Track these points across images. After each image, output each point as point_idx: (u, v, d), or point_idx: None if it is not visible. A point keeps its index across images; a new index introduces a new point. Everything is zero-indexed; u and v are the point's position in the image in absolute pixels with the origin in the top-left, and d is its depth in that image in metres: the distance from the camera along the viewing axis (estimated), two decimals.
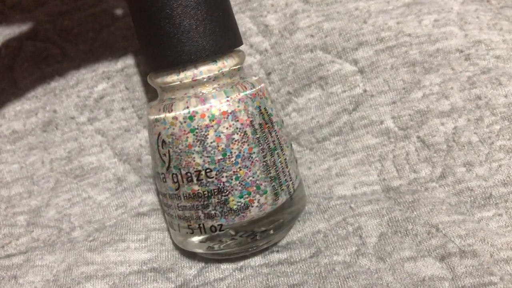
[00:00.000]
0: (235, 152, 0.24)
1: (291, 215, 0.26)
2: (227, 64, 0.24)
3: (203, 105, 0.23)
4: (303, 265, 0.26)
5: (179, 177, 0.24)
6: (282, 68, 0.31)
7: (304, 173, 0.31)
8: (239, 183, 0.24)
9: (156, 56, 0.24)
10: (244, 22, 0.31)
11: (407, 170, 0.29)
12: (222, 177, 0.24)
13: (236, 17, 0.31)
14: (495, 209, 0.27)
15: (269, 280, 0.26)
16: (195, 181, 0.24)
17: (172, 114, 0.24)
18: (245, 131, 0.24)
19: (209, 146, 0.24)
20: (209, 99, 0.24)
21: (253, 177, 0.24)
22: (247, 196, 0.24)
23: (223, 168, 0.24)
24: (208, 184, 0.24)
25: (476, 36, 0.30)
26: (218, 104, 0.24)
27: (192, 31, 0.23)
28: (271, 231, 0.26)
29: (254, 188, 0.24)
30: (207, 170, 0.24)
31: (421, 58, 0.29)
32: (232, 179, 0.24)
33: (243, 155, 0.24)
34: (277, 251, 0.27)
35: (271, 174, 0.25)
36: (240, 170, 0.24)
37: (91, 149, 0.31)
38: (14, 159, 0.31)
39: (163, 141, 0.24)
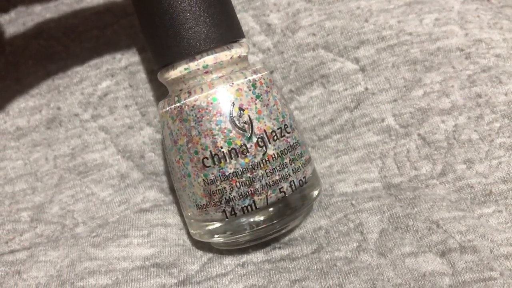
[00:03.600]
0: (287, 115, 0.26)
1: (314, 191, 0.27)
2: (249, 46, 0.27)
3: (257, 75, 0.26)
4: (305, 261, 0.26)
5: (265, 140, 0.25)
6: (284, 66, 0.31)
7: None
8: (297, 142, 0.26)
9: (207, 36, 0.25)
10: (247, 21, 0.31)
11: (408, 167, 0.29)
12: (289, 137, 0.26)
13: (239, 16, 0.31)
14: (495, 205, 0.27)
15: (271, 276, 0.26)
16: (272, 143, 0.25)
17: (235, 85, 0.25)
18: (283, 99, 0.27)
19: (273, 108, 0.25)
20: (259, 70, 0.26)
21: (301, 138, 0.27)
22: (305, 154, 0.27)
23: (287, 127, 0.26)
24: (281, 146, 0.25)
25: (477, 35, 0.30)
26: (263, 74, 0.26)
27: (234, 14, 0.26)
28: (302, 204, 0.26)
29: (305, 147, 0.27)
30: (284, 127, 0.26)
31: (422, 56, 0.30)
32: (294, 139, 0.26)
33: (291, 117, 0.27)
34: (279, 248, 0.27)
35: (304, 139, 0.27)
36: (294, 131, 0.26)
37: (94, 146, 0.31)
38: (18, 156, 0.31)
39: (240, 109, 0.25)
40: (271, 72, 0.31)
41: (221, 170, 0.24)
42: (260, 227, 0.25)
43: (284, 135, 0.25)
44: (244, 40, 0.27)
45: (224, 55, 0.25)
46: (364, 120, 0.30)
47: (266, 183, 0.25)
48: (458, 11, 0.30)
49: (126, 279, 0.26)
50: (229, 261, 0.27)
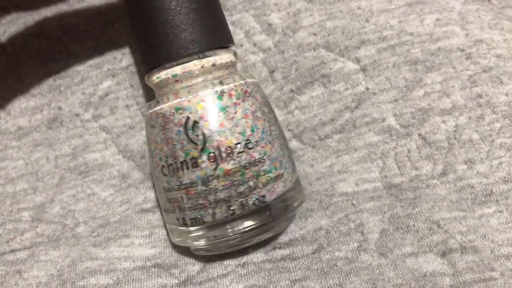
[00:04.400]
0: (260, 128, 0.25)
1: (297, 200, 0.27)
2: (236, 53, 0.27)
3: (227, 85, 0.25)
4: (305, 261, 0.26)
5: (217, 155, 0.24)
6: (285, 66, 0.31)
7: (307, 170, 0.31)
8: (267, 158, 0.25)
9: (176, 45, 0.25)
10: (247, 20, 0.31)
11: (408, 167, 0.29)
12: (254, 151, 0.25)
13: (239, 15, 0.31)
14: (496, 206, 0.27)
15: (272, 275, 0.26)
16: (231, 157, 0.24)
17: (198, 96, 0.24)
18: (263, 110, 0.26)
19: (239, 122, 0.25)
20: (230, 81, 0.25)
21: (276, 153, 0.26)
22: (275, 170, 0.25)
23: (253, 141, 0.25)
24: (241, 160, 0.24)
25: (477, 36, 0.30)
26: (239, 84, 0.25)
27: (214, 21, 0.26)
28: (282, 212, 0.26)
29: (278, 163, 0.26)
30: (240, 145, 0.25)
31: (423, 56, 0.30)
32: (261, 154, 0.25)
33: (266, 131, 0.26)
34: (280, 248, 0.27)
35: (287, 153, 0.27)
36: (266, 145, 0.25)
37: (95, 146, 0.31)
38: (19, 156, 0.31)
39: (194, 123, 0.24)
40: (272, 72, 0.31)
41: (179, 179, 0.25)
42: (216, 240, 0.25)
43: (247, 150, 0.25)
44: (230, 46, 0.27)
45: (193, 65, 0.25)
46: (365, 120, 0.30)
47: (216, 199, 0.25)
48: (459, 12, 0.30)
49: (127, 279, 0.27)
50: (230, 262, 0.27)
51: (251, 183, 0.25)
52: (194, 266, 0.27)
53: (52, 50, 0.31)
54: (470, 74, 0.29)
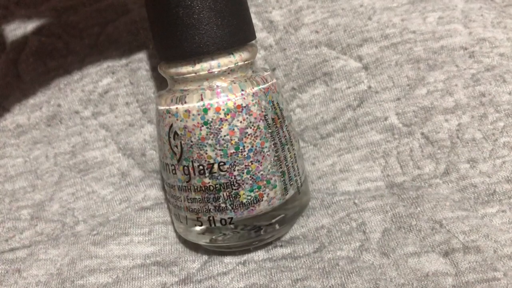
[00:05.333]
0: (247, 146, 0.24)
1: (296, 210, 0.26)
2: (243, 57, 0.24)
3: (218, 98, 0.23)
4: (306, 260, 0.26)
5: (190, 169, 0.24)
6: (286, 64, 0.31)
7: (308, 169, 0.31)
8: (250, 177, 0.24)
9: (172, 46, 0.24)
10: None
11: (411, 166, 0.29)
12: (234, 170, 0.24)
13: None
14: (499, 205, 0.27)
15: (273, 274, 0.26)
16: (206, 174, 0.24)
17: (185, 106, 0.23)
18: (258, 125, 0.24)
19: (222, 139, 0.23)
20: (224, 92, 0.23)
21: (264, 171, 0.24)
22: (257, 190, 0.24)
23: (235, 161, 0.24)
24: (219, 177, 0.24)
25: (480, 34, 0.30)
26: (233, 97, 0.23)
27: (211, 23, 0.23)
28: (276, 226, 0.26)
29: (265, 182, 0.24)
30: (220, 164, 0.24)
31: (426, 55, 0.30)
32: (243, 173, 0.24)
33: (255, 149, 0.24)
34: (281, 246, 0.27)
35: (282, 169, 0.25)
36: (252, 164, 0.24)
37: (95, 143, 0.31)
38: (18, 153, 0.31)
39: (175, 133, 0.24)
40: (273, 70, 0.31)
41: (167, 175, 0.25)
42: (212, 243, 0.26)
43: (226, 168, 0.24)
44: (252, 42, 0.25)
45: (185, 69, 0.24)
46: (367, 119, 0.30)
47: (188, 207, 0.25)
48: (461, 10, 0.30)
49: (127, 277, 0.26)
50: (230, 260, 0.27)
51: (224, 201, 0.24)
52: (194, 264, 0.27)
53: (51, 47, 0.31)
54: (473, 72, 0.29)
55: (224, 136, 0.23)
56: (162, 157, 0.26)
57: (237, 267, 0.26)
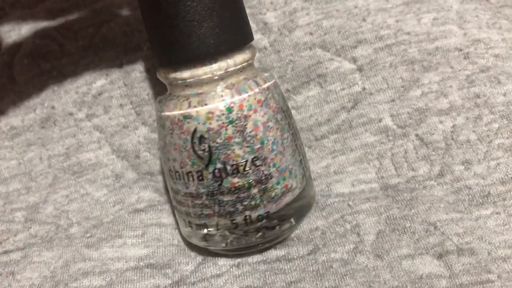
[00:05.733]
0: (270, 140, 0.24)
1: (309, 200, 0.27)
2: (252, 54, 0.25)
3: (240, 96, 0.23)
4: (300, 262, 0.26)
5: (221, 171, 0.24)
6: (281, 65, 0.31)
7: None
8: (276, 170, 0.24)
9: (185, 48, 0.23)
10: None
11: (405, 168, 0.29)
12: (262, 166, 0.24)
13: None
14: (493, 207, 0.27)
15: (267, 277, 0.26)
16: (237, 174, 0.24)
17: (207, 108, 0.23)
18: (276, 118, 0.24)
19: (248, 136, 0.23)
20: (244, 89, 0.24)
21: (287, 162, 0.25)
22: (283, 181, 0.25)
23: (262, 156, 0.24)
24: (249, 175, 0.24)
25: (475, 35, 0.30)
26: (253, 93, 0.24)
27: (224, 21, 0.23)
28: (292, 220, 0.26)
29: (288, 173, 0.25)
30: (249, 161, 0.24)
31: (420, 56, 0.29)
32: (270, 167, 0.24)
33: (278, 141, 0.24)
34: (275, 248, 0.27)
35: (300, 157, 0.26)
36: (276, 156, 0.24)
37: (89, 145, 0.31)
38: (12, 155, 0.31)
39: (201, 137, 0.23)
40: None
41: (185, 185, 0.24)
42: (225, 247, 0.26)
43: (255, 166, 0.24)
44: (246, 45, 0.25)
45: (202, 71, 0.23)
46: (361, 120, 0.30)
47: (220, 211, 0.24)
48: (456, 11, 0.30)
49: (120, 280, 0.26)
50: (224, 262, 0.27)
51: (257, 198, 0.24)
52: (187, 266, 0.27)
53: (46, 49, 0.31)
54: (468, 74, 0.29)
55: (250, 132, 0.23)
56: (177, 167, 0.24)
57: (231, 269, 0.26)
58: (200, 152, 0.23)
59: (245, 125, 0.23)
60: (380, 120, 0.30)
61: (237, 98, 0.23)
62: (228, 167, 0.24)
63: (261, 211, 0.24)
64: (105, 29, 0.31)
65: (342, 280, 0.24)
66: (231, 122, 0.23)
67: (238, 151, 0.23)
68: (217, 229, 0.25)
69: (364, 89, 0.30)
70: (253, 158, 0.24)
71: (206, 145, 0.23)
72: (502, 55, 0.29)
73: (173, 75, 0.24)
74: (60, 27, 0.31)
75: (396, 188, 0.29)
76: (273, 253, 0.27)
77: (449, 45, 0.29)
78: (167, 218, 0.30)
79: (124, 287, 0.26)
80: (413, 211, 0.27)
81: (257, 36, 0.31)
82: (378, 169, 0.30)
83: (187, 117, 0.23)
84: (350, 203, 0.28)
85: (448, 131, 0.28)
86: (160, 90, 0.30)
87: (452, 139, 0.28)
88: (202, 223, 0.25)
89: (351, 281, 0.24)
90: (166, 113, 0.24)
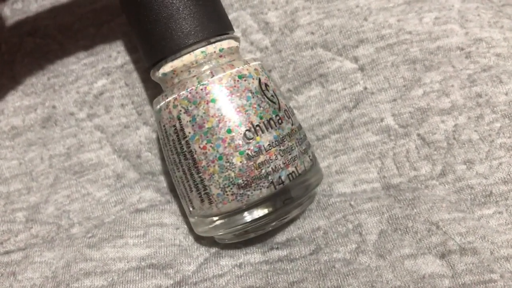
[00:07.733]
0: (283, 107, 0.26)
1: (317, 177, 0.27)
2: (232, 45, 0.27)
3: (255, 62, 0.26)
4: (303, 262, 0.26)
5: (288, 112, 0.26)
6: (282, 65, 0.31)
7: None
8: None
9: (176, 37, 0.25)
10: (244, 19, 0.31)
11: (407, 168, 0.29)
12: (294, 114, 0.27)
13: (236, 14, 0.31)
14: (495, 207, 0.27)
15: (269, 277, 0.26)
16: (290, 117, 0.26)
17: (253, 65, 0.26)
18: (273, 88, 0.27)
19: (278, 89, 0.27)
20: (237, 65, 0.25)
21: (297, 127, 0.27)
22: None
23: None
24: (294, 121, 0.26)
25: (477, 34, 0.30)
26: (247, 66, 0.26)
27: (219, 7, 0.27)
28: (303, 196, 0.26)
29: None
30: (290, 108, 0.27)
31: (422, 55, 0.29)
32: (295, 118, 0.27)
33: (287, 107, 0.27)
34: (277, 248, 0.27)
35: (302, 129, 0.27)
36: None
37: (90, 145, 0.31)
38: (13, 155, 0.31)
39: (265, 85, 0.26)
40: (269, 71, 0.31)
41: (257, 145, 0.24)
42: (264, 215, 0.25)
43: (293, 113, 0.27)
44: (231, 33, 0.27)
45: (226, 43, 0.26)
46: (363, 120, 0.30)
47: (292, 156, 0.25)
48: (458, 10, 0.30)
49: (122, 280, 0.26)
50: (226, 262, 0.27)
51: (304, 142, 0.26)
52: (189, 266, 0.27)
53: (46, 48, 0.31)
54: (470, 73, 0.29)
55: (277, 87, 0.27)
56: (243, 129, 0.25)
57: (233, 269, 0.26)
58: (272, 98, 0.26)
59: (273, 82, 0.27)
60: (381, 120, 0.30)
61: (257, 62, 0.26)
62: (288, 111, 0.26)
63: (310, 153, 0.27)
64: (105, 29, 0.31)
65: (345, 280, 0.24)
66: (268, 77, 0.27)
67: (283, 101, 0.26)
68: (299, 174, 0.25)
69: (365, 88, 0.30)
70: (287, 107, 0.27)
71: (272, 91, 0.26)
72: (503, 54, 0.29)
73: (213, 46, 0.26)
74: (60, 26, 0.31)
75: (398, 187, 0.29)
76: (275, 253, 0.27)
77: (450, 45, 0.29)
78: (168, 218, 0.30)
79: (126, 287, 0.26)
80: (415, 210, 0.27)
81: (258, 36, 0.31)
82: (380, 168, 0.29)
83: (242, 76, 0.25)
84: (352, 202, 0.28)
85: (450, 131, 0.28)
86: (161, 90, 0.30)
87: (454, 138, 0.28)
88: (289, 173, 0.25)
89: (353, 281, 0.24)
90: (210, 81, 0.25)
